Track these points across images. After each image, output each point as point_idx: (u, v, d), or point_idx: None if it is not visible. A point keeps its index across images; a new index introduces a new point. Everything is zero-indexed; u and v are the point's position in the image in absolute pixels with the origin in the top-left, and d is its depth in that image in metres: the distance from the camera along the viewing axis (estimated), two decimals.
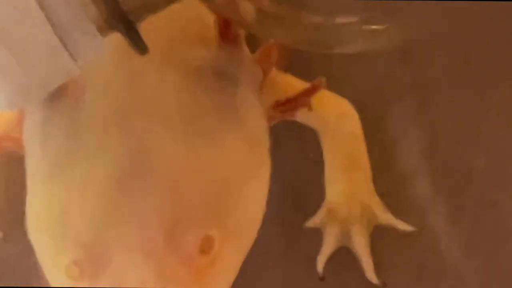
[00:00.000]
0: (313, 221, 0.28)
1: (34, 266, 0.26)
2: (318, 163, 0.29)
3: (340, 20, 0.22)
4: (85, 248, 0.20)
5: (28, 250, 0.24)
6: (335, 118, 0.29)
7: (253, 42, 0.27)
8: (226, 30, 0.25)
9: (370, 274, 0.27)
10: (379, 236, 0.29)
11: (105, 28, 0.19)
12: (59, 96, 0.22)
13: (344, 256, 0.29)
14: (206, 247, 0.19)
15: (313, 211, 0.29)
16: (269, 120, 0.24)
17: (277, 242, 0.30)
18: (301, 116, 0.28)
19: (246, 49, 0.27)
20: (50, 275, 0.23)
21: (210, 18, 0.25)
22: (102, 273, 0.19)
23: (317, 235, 0.29)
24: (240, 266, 0.23)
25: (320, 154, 0.29)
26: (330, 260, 0.28)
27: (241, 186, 0.22)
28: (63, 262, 0.20)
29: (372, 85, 0.35)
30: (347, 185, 0.28)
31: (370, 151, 0.29)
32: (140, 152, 0.20)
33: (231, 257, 0.21)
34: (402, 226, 0.28)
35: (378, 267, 0.28)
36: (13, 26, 0.18)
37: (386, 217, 0.28)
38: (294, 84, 0.28)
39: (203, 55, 0.24)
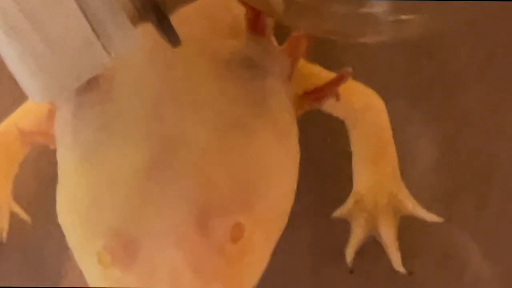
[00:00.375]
0: (341, 212, 0.28)
1: (63, 253, 0.30)
2: (345, 154, 0.29)
3: (367, 9, 0.22)
4: (116, 235, 0.20)
5: (58, 237, 0.25)
6: (362, 109, 0.29)
7: (281, 34, 0.27)
8: (255, 20, 0.25)
9: (397, 263, 0.28)
10: (406, 226, 0.29)
11: (137, 19, 0.20)
12: (90, 87, 0.23)
13: (371, 246, 0.29)
14: (236, 234, 0.20)
15: (340, 202, 0.29)
16: (297, 110, 0.24)
17: (304, 233, 0.30)
18: (329, 106, 0.28)
19: (274, 40, 0.28)
20: (81, 261, 0.23)
21: (239, 9, 0.26)
22: (133, 260, 0.20)
23: (344, 225, 0.29)
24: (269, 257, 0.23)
25: (348, 145, 0.29)
26: (358, 250, 0.28)
27: (271, 175, 0.22)
28: (94, 249, 0.20)
29: (398, 76, 0.35)
30: (374, 176, 0.28)
31: (396, 142, 0.29)
32: (171, 140, 0.21)
33: (261, 247, 0.22)
34: (429, 216, 0.28)
35: (404, 257, 0.28)
36: (48, 17, 0.19)
37: (413, 207, 0.28)
38: (322, 75, 0.28)
39: (233, 45, 0.24)
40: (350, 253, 0.28)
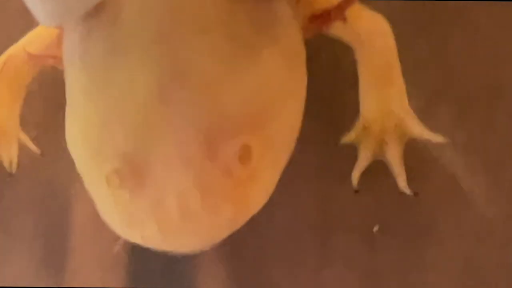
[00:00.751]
0: (348, 137, 0.29)
1: (74, 182, 0.32)
2: (352, 79, 0.29)
3: None
4: (125, 157, 0.20)
5: (68, 166, 0.26)
6: (369, 33, 0.28)
7: None
8: None
9: (403, 184, 0.28)
10: (412, 148, 0.29)
11: None
12: (98, 12, 0.22)
13: (377, 169, 0.29)
14: (244, 156, 0.20)
15: (347, 127, 0.29)
16: (304, 34, 0.24)
17: (311, 158, 0.31)
18: (336, 30, 0.28)
19: None
20: (90, 186, 0.23)
21: None
22: (142, 182, 0.20)
23: (351, 151, 0.30)
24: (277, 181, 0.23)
25: (355, 70, 0.29)
26: (363, 173, 0.29)
27: (279, 98, 0.22)
28: (102, 173, 0.21)
29: (404, 2, 0.34)
30: (381, 100, 0.29)
31: (403, 67, 0.29)
32: (179, 64, 0.20)
33: (269, 169, 0.22)
34: (435, 138, 0.29)
35: (410, 179, 0.29)
36: None
37: (419, 130, 0.29)
38: None
39: None
40: (356, 176, 0.29)
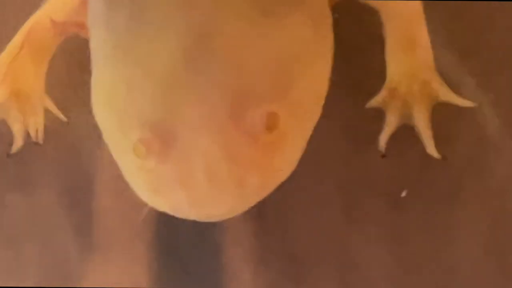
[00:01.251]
0: (375, 101, 0.29)
1: (99, 148, 0.33)
2: (379, 42, 0.29)
3: None
4: (151, 126, 0.20)
5: (93, 133, 0.26)
6: None
7: None
8: None
9: (431, 148, 0.28)
10: (440, 111, 0.29)
11: None
12: None
13: (405, 133, 0.29)
14: (271, 124, 0.19)
15: (374, 91, 0.29)
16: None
17: (337, 122, 0.31)
18: None
19: None
20: (116, 154, 0.23)
21: None
22: (169, 151, 0.20)
23: (378, 114, 0.29)
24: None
25: (381, 33, 0.29)
26: (391, 137, 0.29)
27: (305, 62, 0.22)
28: (129, 141, 0.21)
29: None
30: (407, 63, 0.28)
31: (429, 29, 0.29)
32: (203, 29, 0.20)
33: (296, 136, 0.21)
34: (462, 102, 0.29)
35: (438, 143, 0.29)
36: None
37: (446, 94, 0.28)
38: None
39: None
40: (383, 139, 0.29)
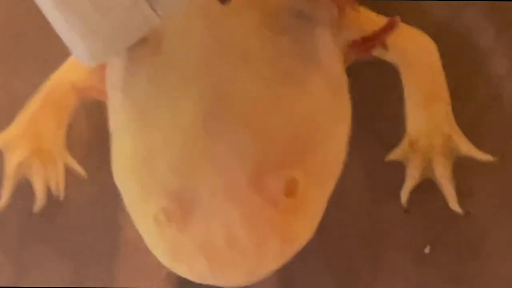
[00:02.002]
0: (395, 154, 0.29)
1: (118, 206, 0.30)
2: (398, 97, 0.30)
3: None
4: (172, 195, 0.21)
5: (113, 191, 0.27)
6: (414, 51, 0.29)
7: None
8: None
9: (453, 203, 0.28)
10: (461, 166, 0.29)
11: None
12: (139, 43, 0.22)
13: (427, 187, 0.29)
14: (291, 189, 0.20)
15: (394, 145, 0.29)
16: (346, 59, 0.24)
17: (359, 175, 0.31)
18: (379, 52, 0.28)
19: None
20: (137, 221, 0.24)
21: None
22: (189, 219, 0.20)
23: (400, 167, 0.30)
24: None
25: (401, 87, 0.29)
26: (413, 191, 0.29)
27: (323, 127, 0.22)
28: (150, 209, 0.21)
29: (448, 15, 0.35)
30: (427, 117, 0.29)
31: (448, 82, 0.30)
32: (222, 94, 0.21)
33: (316, 199, 0.22)
34: (483, 156, 0.28)
35: (461, 197, 0.29)
36: None
37: (467, 148, 0.28)
38: (370, 19, 0.29)
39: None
40: (405, 194, 0.29)
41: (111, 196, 0.32)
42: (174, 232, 0.21)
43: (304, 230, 0.22)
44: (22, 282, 0.37)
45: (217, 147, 0.20)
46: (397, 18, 0.26)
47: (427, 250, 0.31)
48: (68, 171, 0.35)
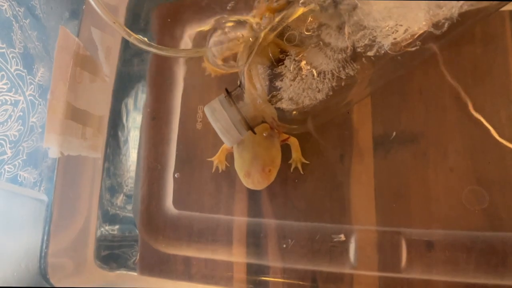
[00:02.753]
0: None
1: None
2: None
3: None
4: (246, 170, 0.64)
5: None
6: (293, 141, 0.74)
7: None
8: (271, 127, 0.64)
9: None
10: None
11: (246, 128, 0.58)
12: (239, 143, 0.64)
13: None
14: (268, 170, 0.63)
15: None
16: (280, 142, 0.66)
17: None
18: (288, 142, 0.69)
19: (279, 134, 0.66)
20: (240, 174, 0.65)
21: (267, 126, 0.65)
22: (249, 175, 0.64)
23: None
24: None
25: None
26: None
27: (276, 157, 0.64)
28: (242, 172, 0.65)
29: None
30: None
31: None
32: (254, 152, 0.64)
33: (274, 173, 0.64)
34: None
35: None
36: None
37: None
38: (284, 136, 0.69)
39: (268, 132, 0.65)
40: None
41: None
42: (245, 179, 0.63)
43: (271, 179, 0.63)
44: None
45: (254, 160, 0.63)
46: (290, 139, 0.69)
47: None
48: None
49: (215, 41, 0.70)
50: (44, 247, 0.67)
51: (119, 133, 0.78)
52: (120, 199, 0.77)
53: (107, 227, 0.76)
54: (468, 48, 0.63)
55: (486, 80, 0.62)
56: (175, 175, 0.73)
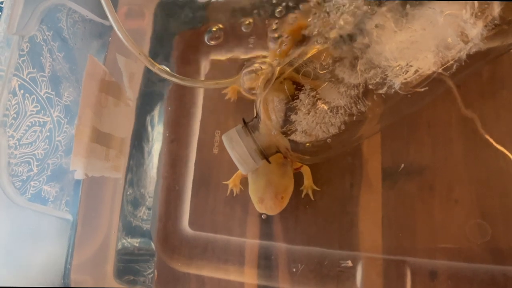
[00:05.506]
0: None
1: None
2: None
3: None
4: (259, 196, 0.64)
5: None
6: (305, 169, 0.72)
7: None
8: (285, 157, 0.64)
9: None
10: None
11: (261, 157, 0.60)
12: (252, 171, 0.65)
13: None
14: (281, 197, 0.64)
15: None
16: (294, 171, 0.67)
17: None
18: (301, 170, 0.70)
19: (292, 162, 0.67)
20: (253, 200, 0.66)
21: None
22: (262, 202, 0.64)
23: None
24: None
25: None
26: None
27: (289, 185, 0.65)
28: (255, 198, 0.65)
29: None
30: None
31: None
32: (269, 181, 0.65)
33: (286, 200, 0.65)
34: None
35: None
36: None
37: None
38: (298, 164, 0.69)
39: (282, 160, 0.65)
40: None
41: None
42: (259, 204, 0.64)
43: (283, 205, 0.64)
44: None
45: (268, 187, 0.64)
46: (302, 167, 0.70)
47: None
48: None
49: (247, 71, 0.71)
50: (67, 263, 0.70)
51: (141, 153, 0.82)
52: (141, 211, 0.81)
53: (129, 239, 0.79)
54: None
55: (494, 115, 0.65)
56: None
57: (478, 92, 0.67)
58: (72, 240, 0.73)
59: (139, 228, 0.80)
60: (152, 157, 0.82)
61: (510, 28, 0.52)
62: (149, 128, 0.82)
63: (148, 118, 0.84)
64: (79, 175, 0.74)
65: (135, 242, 0.78)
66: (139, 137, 0.83)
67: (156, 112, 0.83)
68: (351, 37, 0.55)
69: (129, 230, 0.79)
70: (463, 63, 0.51)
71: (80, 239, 0.74)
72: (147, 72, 0.83)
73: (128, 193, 0.81)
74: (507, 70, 0.65)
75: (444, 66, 0.53)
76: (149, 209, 0.79)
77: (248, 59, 0.76)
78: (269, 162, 0.63)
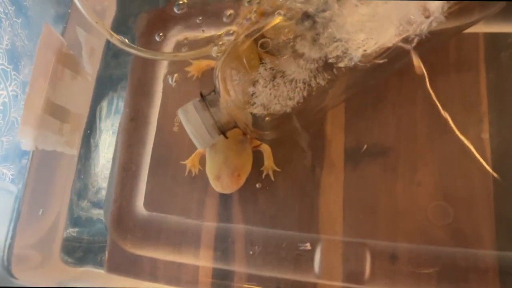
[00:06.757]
0: None
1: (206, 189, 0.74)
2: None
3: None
4: (216, 173, 0.64)
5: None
6: (265, 148, 0.73)
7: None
8: (244, 133, 0.65)
9: None
10: None
11: (218, 132, 0.59)
12: (211, 146, 0.65)
13: None
14: (238, 175, 0.64)
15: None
16: (252, 148, 0.67)
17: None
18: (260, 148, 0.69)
19: (251, 140, 0.67)
20: (209, 178, 0.65)
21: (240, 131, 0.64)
22: (218, 179, 0.64)
23: None
24: None
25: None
26: None
27: (247, 162, 0.65)
28: (212, 176, 0.65)
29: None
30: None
31: None
32: (226, 155, 0.65)
33: (243, 178, 0.64)
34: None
35: None
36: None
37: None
38: (257, 143, 0.68)
39: (241, 137, 0.65)
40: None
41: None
42: (215, 182, 0.64)
43: (240, 183, 0.64)
44: None
45: (224, 164, 0.63)
46: (262, 146, 0.69)
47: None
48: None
49: (216, 43, 0.73)
50: (9, 237, 0.66)
51: (95, 133, 0.80)
52: (90, 201, 0.79)
53: (76, 229, 0.77)
54: (442, 66, 0.67)
55: (457, 97, 0.65)
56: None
57: (444, 72, 0.68)
58: (17, 214, 0.70)
59: (91, 208, 0.78)
60: (110, 136, 0.79)
61: (471, 3, 0.53)
62: (108, 105, 0.81)
63: (108, 95, 0.82)
64: (27, 145, 0.72)
65: (86, 222, 0.77)
66: (97, 114, 0.81)
67: (116, 89, 0.81)
68: (310, 16, 0.57)
69: (81, 208, 0.78)
70: (424, 37, 0.52)
71: (27, 215, 0.73)
72: (108, 50, 0.83)
73: (81, 170, 0.80)
74: (473, 52, 0.67)
75: (405, 39, 0.53)
76: (103, 189, 0.77)
77: (218, 36, 0.77)
78: (226, 137, 0.62)
